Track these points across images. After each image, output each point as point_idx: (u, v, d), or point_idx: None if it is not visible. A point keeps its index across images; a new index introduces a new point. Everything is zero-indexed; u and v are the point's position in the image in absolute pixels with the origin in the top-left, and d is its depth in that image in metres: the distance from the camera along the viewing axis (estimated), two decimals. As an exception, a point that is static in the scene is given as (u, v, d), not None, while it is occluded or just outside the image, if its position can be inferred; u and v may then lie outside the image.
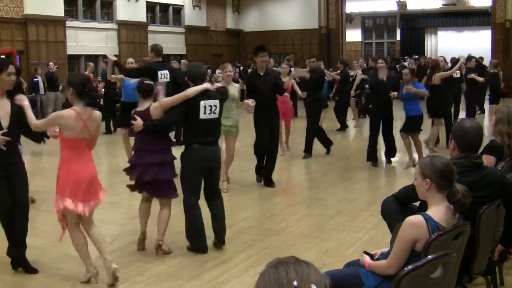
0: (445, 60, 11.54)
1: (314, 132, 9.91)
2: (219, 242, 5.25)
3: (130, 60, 9.67)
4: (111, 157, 11.31)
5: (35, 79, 15.96)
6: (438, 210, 2.96)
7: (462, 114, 12.93)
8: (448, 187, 2.97)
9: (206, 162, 5.08)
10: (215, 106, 5.09)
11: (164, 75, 7.82)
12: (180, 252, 5.20)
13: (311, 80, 9.95)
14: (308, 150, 9.90)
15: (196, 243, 5.15)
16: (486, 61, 17.34)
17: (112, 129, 13.84)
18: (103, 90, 14.12)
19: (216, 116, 5.14)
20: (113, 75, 9.20)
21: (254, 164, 7.94)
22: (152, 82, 5.35)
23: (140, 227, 5.26)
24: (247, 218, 6.13)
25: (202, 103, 5.01)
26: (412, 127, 8.75)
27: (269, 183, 7.74)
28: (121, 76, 8.93)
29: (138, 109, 5.18)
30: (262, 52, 7.46)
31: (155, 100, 5.31)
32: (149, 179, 4.97)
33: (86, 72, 14.65)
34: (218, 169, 5.45)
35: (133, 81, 7.81)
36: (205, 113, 5.02)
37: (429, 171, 2.99)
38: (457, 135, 3.56)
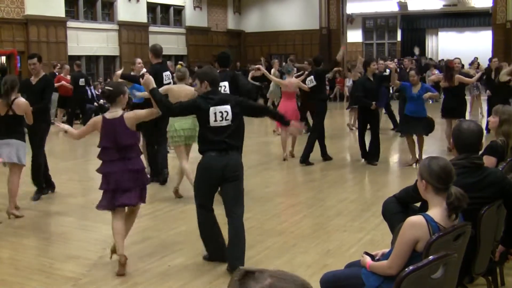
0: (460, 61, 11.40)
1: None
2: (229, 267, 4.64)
3: (138, 60, 9.17)
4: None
5: (36, 80, 16.03)
6: (438, 211, 2.95)
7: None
8: (446, 189, 2.97)
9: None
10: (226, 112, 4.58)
11: (167, 76, 7.73)
12: (180, 253, 5.22)
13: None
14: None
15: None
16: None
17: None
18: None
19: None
20: (121, 79, 8.90)
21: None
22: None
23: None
24: (248, 218, 6.11)
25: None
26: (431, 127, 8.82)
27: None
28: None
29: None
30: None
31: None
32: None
33: (62, 74, 14.88)
34: (233, 181, 4.66)
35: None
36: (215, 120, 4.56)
37: (425, 173, 3.00)
38: (454, 135, 3.63)
